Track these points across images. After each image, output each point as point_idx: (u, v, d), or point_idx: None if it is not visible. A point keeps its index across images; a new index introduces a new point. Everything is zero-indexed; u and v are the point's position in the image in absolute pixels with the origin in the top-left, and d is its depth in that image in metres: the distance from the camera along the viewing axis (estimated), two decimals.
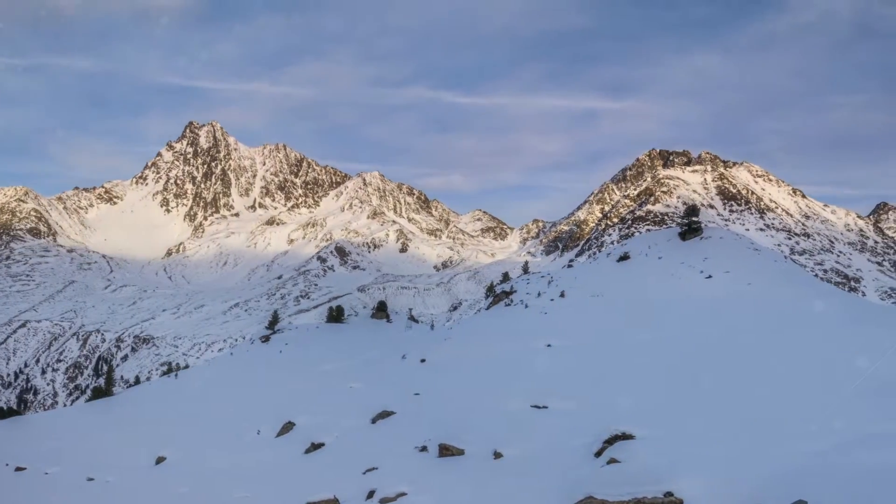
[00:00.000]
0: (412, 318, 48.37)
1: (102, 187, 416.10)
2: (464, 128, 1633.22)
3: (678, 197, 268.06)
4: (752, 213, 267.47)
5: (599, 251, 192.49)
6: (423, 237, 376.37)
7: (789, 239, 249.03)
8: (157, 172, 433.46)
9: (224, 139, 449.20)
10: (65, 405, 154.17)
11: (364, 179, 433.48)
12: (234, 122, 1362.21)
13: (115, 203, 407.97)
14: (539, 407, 18.75)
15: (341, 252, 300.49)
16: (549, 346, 26.39)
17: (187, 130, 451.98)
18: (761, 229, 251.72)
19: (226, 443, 23.60)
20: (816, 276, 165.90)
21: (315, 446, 20.93)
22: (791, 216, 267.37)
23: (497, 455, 15.87)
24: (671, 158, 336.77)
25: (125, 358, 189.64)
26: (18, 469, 22.75)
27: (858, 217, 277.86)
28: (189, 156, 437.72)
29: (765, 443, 12.65)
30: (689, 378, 18.83)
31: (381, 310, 47.65)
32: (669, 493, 10.50)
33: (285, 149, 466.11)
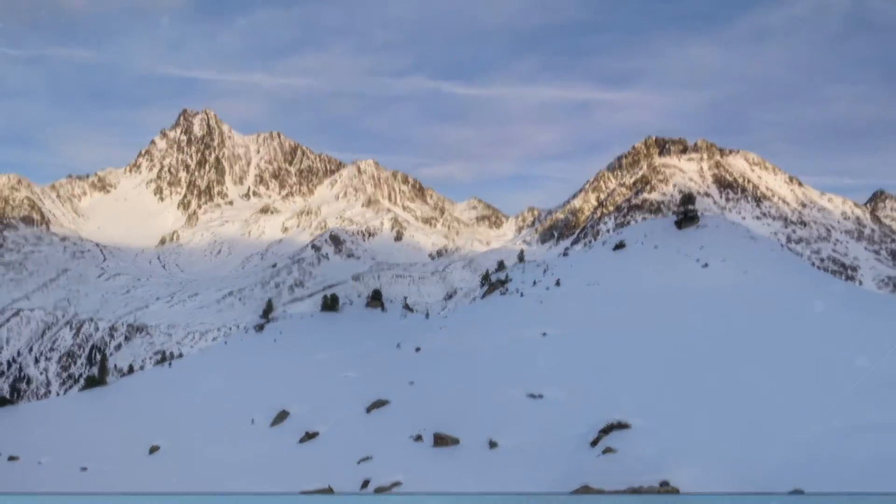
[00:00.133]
0: (407, 307, 48.28)
1: (96, 175, 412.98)
2: (461, 118, 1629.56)
3: (674, 185, 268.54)
4: (748, 202, 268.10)
5: (595, 240, 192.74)
6: (418, 225, 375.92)
7: (786, 227, 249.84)
8: (151, 160, 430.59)
9: (218, 127, 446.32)
10: (58, 394, 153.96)
11: (359, 168, 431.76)
12: (233, 113, 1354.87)
13: (108, 191, 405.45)
14: (535, 396, 18.69)
15: (336, 240, 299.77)
16: (544, 334, 26.33)
17: (181, 118, 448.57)
18: (758, 217, 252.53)
19: (220, 432, 23.51)
20: (813, 264, 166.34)
21: (309, 435, 20.85)
22: (787, 204, 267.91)
23: (492, 444, 15.80)
24: (667, 146, 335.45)
25: (119, 347, 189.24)
26: (11, 458, 22.64)
27: (855, 205, 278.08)
28: (183, 143, 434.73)
29: (761, 432, 12.61)
30: (686, 367, 18.80)
31: (375, 298, 47.55)
32: (665, 483, 10.43)
33: (279, 137, 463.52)
